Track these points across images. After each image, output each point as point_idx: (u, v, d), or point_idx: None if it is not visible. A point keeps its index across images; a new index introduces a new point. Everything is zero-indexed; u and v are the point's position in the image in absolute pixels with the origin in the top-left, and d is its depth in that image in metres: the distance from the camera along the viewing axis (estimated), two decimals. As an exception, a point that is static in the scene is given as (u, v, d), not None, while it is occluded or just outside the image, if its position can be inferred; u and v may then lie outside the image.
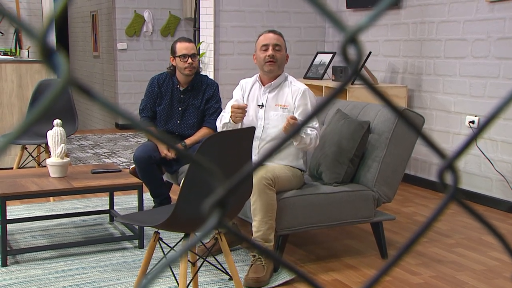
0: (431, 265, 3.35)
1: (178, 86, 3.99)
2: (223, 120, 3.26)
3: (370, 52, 5.22)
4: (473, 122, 4.71)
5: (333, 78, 5.45)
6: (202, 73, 4.24)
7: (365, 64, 5.19)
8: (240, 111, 3.14)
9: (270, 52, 3.24)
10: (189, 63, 3.85)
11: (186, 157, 0.43)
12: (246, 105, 3.23)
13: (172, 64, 3.96)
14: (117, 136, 7.68)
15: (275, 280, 3.06)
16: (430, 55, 5.09)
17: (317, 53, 5.92)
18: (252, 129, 2.52)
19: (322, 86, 5.40)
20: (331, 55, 5.71)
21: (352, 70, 0.42)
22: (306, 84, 5.50)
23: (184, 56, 3.86)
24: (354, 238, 3.77)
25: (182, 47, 3.88)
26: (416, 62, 5.24)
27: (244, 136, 2.44)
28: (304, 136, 3.12)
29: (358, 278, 3.14)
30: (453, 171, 0.51)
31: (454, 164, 0.52)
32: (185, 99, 3.99)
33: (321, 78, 5.62)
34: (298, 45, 6.20)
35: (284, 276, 3.10)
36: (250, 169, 0.43)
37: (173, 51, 3.93)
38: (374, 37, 5.67)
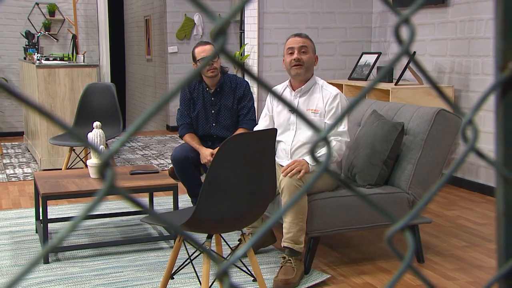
0: (469, 271, 3.25)
1: (207, 89, 4.03)
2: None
3: (414, 52, 5.10)
4: (522, 122, 4.52)
5: (378, 79, 5.35)
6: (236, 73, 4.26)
7: (409, 64, 5.08)
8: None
9: (295, 55, 3.22)
10: (209, 65, 3.89)
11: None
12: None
13: None
14: (166, 138, 7.83)
15: (305, 282, 3.04)
16: (478, 54, 4.93)
17: (362, 53, 5.84)
18: (274, 131, 2.51)
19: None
20: (376, 55, 5.62)
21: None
22: (349, 86, 5.50)
23: (203, 59, 3.90)
24: (391, 242, 3.69)
25: (200, 51, 3.92)
26: (464, 61, 5.08)
27: (265, 137, 2.44)
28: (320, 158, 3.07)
29: (391, 282, 3.08)
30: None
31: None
32: (216, 101, 4.03)
33: (365, 79, 5.54)
34: (344, 46, 6.14)
35: (314, 279, 3.08)
36: None
37: (193, 58, 3.98)
38: (421, 37, 5.54)
